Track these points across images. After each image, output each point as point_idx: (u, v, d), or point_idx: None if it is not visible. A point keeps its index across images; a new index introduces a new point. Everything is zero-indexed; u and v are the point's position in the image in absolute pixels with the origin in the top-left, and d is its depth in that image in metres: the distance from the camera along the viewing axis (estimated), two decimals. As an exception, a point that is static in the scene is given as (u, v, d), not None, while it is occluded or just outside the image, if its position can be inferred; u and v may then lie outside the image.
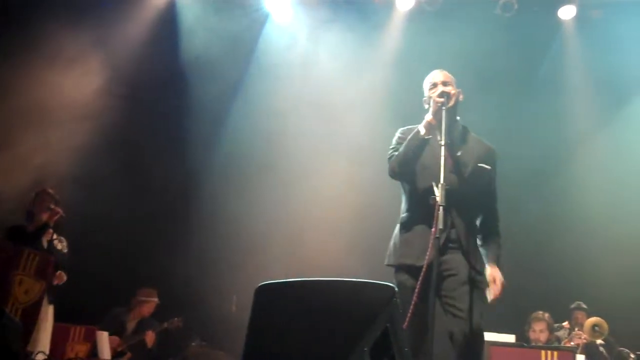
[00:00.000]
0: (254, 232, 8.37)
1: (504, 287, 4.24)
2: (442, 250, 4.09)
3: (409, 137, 4.45)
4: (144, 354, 7.82)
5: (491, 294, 4.25)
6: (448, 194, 4.05)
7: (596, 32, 8.44)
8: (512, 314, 7.53)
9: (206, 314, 8.20)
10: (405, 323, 3.83)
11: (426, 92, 4.61)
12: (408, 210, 4.56)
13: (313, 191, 8.47)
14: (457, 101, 4.55)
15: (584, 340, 7.40)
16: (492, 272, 4.30)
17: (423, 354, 4.05)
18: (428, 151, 4.40)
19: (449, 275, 4.25)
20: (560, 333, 7.84)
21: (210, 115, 8.73)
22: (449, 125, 4.31)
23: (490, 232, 4.49)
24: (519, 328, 7.31)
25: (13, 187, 7.11)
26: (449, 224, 4.17)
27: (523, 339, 7.07)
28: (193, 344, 8.12)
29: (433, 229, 4.01)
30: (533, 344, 6.85)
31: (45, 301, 6.44)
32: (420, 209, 4.38)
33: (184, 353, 8.11)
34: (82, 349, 6.86)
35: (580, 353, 7.10)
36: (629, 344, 7.30)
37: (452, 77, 4.63)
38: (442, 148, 4.19)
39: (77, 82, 7.92)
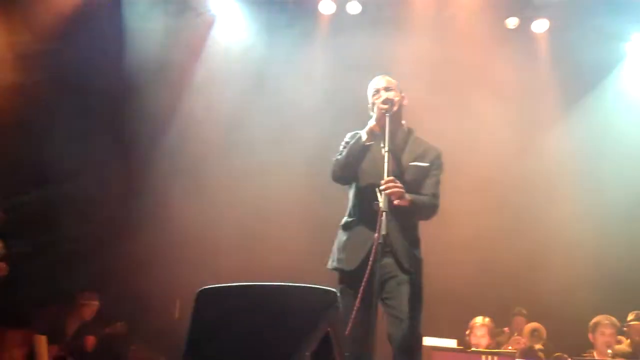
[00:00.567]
0: (202, 236, 8.29)
1: (396, 191, 4.17)
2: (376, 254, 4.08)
3: (351, 142, 4.49)
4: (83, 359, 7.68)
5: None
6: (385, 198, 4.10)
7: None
8: (453, 319, 7.65)
9: (149, 319, 8.08)
10: (348, 329, 3.85)
11: (370, 99, 4.65)
12: (349, 214, 4.62)
13: (266, 193, 8.45)
14: (401, 106, 4.61)
15: (523, 345, 7.53)
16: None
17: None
18: (369, 156, 4.45)
19: (389, 278, 4.30)
20: (500, 338, 7.97)
21: (157, 117, 8.63)
22: (392, 131, 4.36)
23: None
24: (461, 333, 7.40)
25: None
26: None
27: (464, 344, 7.16)
28: (134, 348, 8.01)
29: (376, 235, 4.04)
30: (474, 348, 6.94)
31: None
32: (359, 213, 4.47)
33: (125, 359, 7.98)
34: (18, 353, 6.70)
35: (519, 357, 7.22)
36: (566, 349, 7.45)
37: (396, 82, 4.67)
38: (386, 154, 4.22)
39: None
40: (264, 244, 8.28)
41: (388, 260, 4.30)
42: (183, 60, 8.69)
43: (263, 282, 3.24)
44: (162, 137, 8.70)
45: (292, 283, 3.19)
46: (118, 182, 8.47)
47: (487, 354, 6.44)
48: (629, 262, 8.22)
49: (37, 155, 7.96)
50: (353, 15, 8.55)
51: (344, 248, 4.52)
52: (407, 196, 4.27)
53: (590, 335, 6.95)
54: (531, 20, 8.50)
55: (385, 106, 4.43)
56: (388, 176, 4.17)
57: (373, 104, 4.58)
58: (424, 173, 4.57)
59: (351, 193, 4.64)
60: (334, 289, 3.16)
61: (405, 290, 4.28)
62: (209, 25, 8.70)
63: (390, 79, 4.67)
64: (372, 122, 4.46)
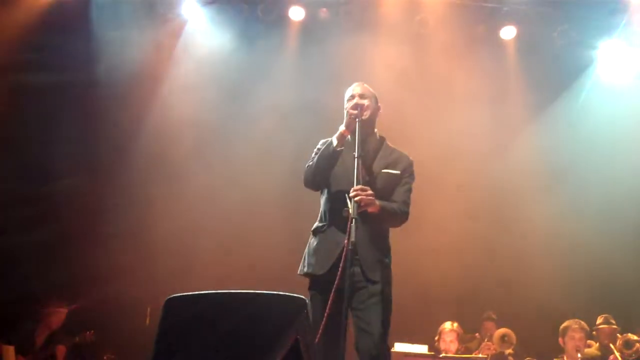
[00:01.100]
0: (176, 244, 8.25)
1: (365, 197, 4.18)
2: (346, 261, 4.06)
3: (322, 148, 4.50)
4: (53, 370, 7.57)
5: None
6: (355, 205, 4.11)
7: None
8: (424, 325, 7.68)
9: (119, 327, 7.98)
10: (317, 337, 3.85)
11: (345, 104, 4.67)
12: (319, 219, 4.63)
13: (242, 201, 8.41)
14: (373, 114, 4.63)
15: (493, 351, 7.58)
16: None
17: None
18: (340, 162, 4.46)
19: (360, 288, 4.30)
20: (471, 344, 8.01)
21: (130, 124, 8.56)
22: (364, 138, 4.37)
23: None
24: (431, 339, 7.43)
25: None
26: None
27: (434, 350, 7.19)
28: (105, 358, 7.92)
29: (345, 241, 4.04)
30: (443, 354, 6.97)
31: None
32: (330, 218, 4.48)
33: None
34: (-16, 365, 6.59)
35: (490, 362, 7.31)
36: (537, 353, 7.51)
37: (372, 91, 4.70)
38: (356, 160, 4.24)
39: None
40: (240, 252, 8.25)
41: (356, 270, 4.30)
42: (154, 66, 8.62)
43: (232, 290, 3.22)
44: (136, 144, 8.60)
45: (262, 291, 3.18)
46: (88, 190, 8.37)
47: (457, 359, 6.48)
48: (599, 265, 8.30)
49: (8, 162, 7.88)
50: (323, 22, 8.54)
51: (314, 253, 4.52)
52: (377, 203, 4.28)
53: (560, 340, 7.02)
54: (500, 26, 8.56)
55: (355, 111, 4.45)
56: (359, 183, 4.19)
57: (345, 109, 4.61)
58: (395, 181, 4.59)
59: (323, 198, 4.66)
60: (302, 297, 3.16)
61: (376, 302, 4.29)
62: (180, 30, 8.65)
63: (367, 87, 4.70)
64: (342, 127, 4.48)
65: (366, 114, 4.52)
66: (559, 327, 7.08)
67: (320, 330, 3.95)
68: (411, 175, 4.67)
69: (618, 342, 7.20)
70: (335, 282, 4.04)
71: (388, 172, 4.56)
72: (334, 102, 4.89)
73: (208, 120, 8.57)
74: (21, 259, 7.84)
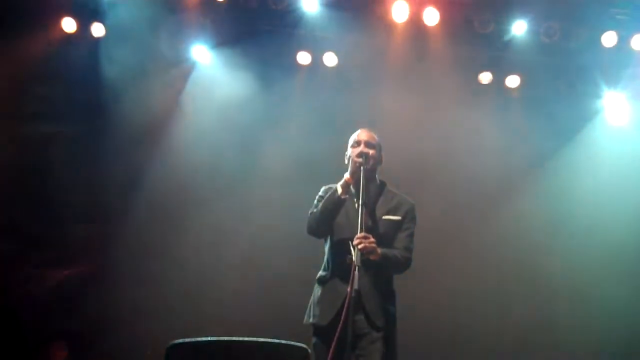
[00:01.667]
0: (177, 288, 8.18)
1: (368, 245, 4.22)
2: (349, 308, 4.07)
3: (326, 196, 4.52)
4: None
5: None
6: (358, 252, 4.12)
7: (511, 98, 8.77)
8: None
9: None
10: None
11: (349, 149, 4.71)
12: (323, 267, 4.64)
13: (245, 247, 8.35)
14: (377, 163, 4.68)
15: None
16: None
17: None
18: (343, 210, 4.48)
19: (362, 335, 4.29)
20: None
21: (132, 161, 8.56)
22: (365, 185, 4.39)
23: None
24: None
25: None
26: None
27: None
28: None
29: (349, 289, 4.03)
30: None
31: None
32: (333, 267, 4.49)
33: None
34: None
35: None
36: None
37: (378, 139, 4.74)
38: (360, 208, 4.26)
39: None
40: (242, 297, 8.18)
41: (359, 317, 4.29)
42: (162, 111, 8.64)
43: (235, 337, 3.22)
44: (142, 192, 8.58)
45: (266, 338, 3.18)
46: (96, 236, 8.37)
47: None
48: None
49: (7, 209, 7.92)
50: (329, 67, 8.62)
51: (318, 302, 4.53)
52: (379, 250, 4.29)
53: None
54: (504, 75, 8.63)
55: (360, 159, 4.49)
56: (362, 231, 4.20)
57: (349, 155, 4.65)
58: (397, 226, 4.61)
59: (326, 247, 4.67)
60: (304, 345, 3.16)
61: (379, 348, 4.27)
62: (188, 74, 8.71)
63: (373, 135, 4.75)
64: (346, 175, 4.51)
65: (371, 163, 4.56)
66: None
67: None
68: (413, 219, 4.69)
69: None
70: (338, 330, 4.04)
71: (389, 219, 4.59)
72: (334, 149, 4.92)
73: (220, 165, 8.54)
74: (21, 300, 7.83)
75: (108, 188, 8.45)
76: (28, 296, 7.81)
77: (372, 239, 4.21)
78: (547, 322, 8.40)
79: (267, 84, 8.57)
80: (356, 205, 4.34)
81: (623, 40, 7.91)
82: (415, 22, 7.97)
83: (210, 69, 8.66)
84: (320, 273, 4.63)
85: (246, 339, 3.17)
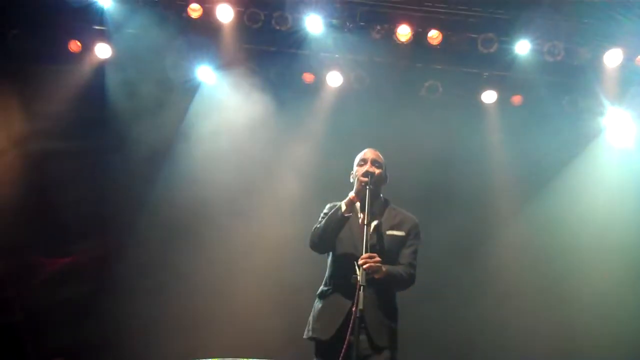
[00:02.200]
0: (179, 309, 8.18)
1: (373, 264, 4.22)
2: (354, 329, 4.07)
3: (330, 213, 4.54)
4: None
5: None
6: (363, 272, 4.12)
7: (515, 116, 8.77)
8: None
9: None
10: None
11: (354, 167, 4.74)
12: (325, 282, 4.66)
13: (247, 268, 8.35)
14: (382, 182, 4.70)
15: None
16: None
17: None
18: (346, 227, 4.50)
19: (366, 356, 4.29)
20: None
21: (138, 180, 8.59)
22: (370, 203, 4.41)
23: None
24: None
25: None
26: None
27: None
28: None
29: (353, 308, 4.04)
30: None
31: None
32: (335, 282, 4.51)
33: None
34: None
35: None
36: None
37: (384, 159, 4.77)
38: (365, 227, 4.28)
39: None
40: (242, 317, 8.16)
41: (362, 337, 4.29)
42: (167, 126, 8.68)
43: (238, 358, 3.22)
44: (148, 211, 8.59)
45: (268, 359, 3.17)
46: (99, 245, 8.41)
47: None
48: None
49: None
50: (334, 87, 8.66)
51: (319, 317, 4.53)
52: (384, 269, 4.29)
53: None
54: (509, 94, 8.66)
55: (366, 179, 4.52)
56: (367, 250, 4.21)
57: (355, 174, 4.67)
58: (401, 242, 4.63)
59: (328, 262, 4.70)
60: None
61: None
62: (194, 95, 8.75)
63: (379, 154, 4.77)
64: (351, 194, 4.54)
65: (376, 182, 4.58)
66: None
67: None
68: (417, 236, 4.71)
69: None
70: (343, 351, 4.04)
71: (393, 234, 4.61)
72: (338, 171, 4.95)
73: (225, 181, 8.56)
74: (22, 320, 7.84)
75: (116, 205, 8.50)
76: (29, 312, 7.83)
77: (377, 258, 4.22)
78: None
79: (272, 103, 8.60)
80: (360, 221, 4.36)
81: (629, 59, 7.98)
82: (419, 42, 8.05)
83: (215, 89, 8.72)
84: (322, 288, 4.64)
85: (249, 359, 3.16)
